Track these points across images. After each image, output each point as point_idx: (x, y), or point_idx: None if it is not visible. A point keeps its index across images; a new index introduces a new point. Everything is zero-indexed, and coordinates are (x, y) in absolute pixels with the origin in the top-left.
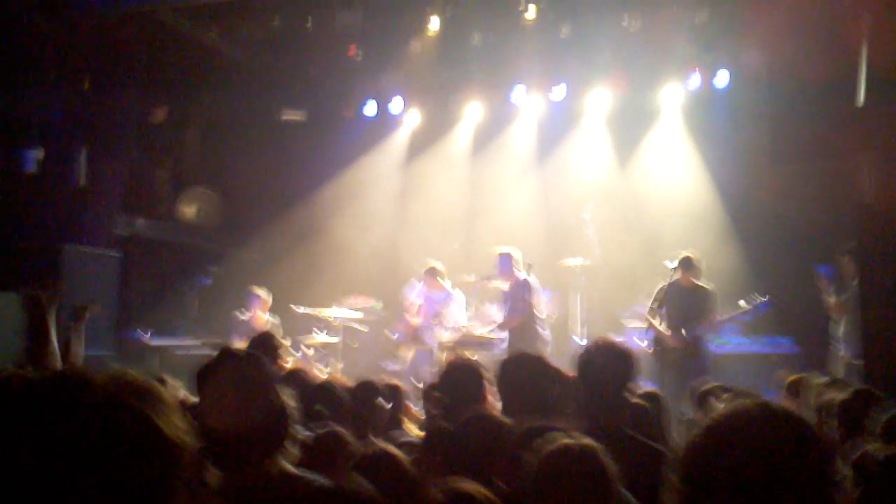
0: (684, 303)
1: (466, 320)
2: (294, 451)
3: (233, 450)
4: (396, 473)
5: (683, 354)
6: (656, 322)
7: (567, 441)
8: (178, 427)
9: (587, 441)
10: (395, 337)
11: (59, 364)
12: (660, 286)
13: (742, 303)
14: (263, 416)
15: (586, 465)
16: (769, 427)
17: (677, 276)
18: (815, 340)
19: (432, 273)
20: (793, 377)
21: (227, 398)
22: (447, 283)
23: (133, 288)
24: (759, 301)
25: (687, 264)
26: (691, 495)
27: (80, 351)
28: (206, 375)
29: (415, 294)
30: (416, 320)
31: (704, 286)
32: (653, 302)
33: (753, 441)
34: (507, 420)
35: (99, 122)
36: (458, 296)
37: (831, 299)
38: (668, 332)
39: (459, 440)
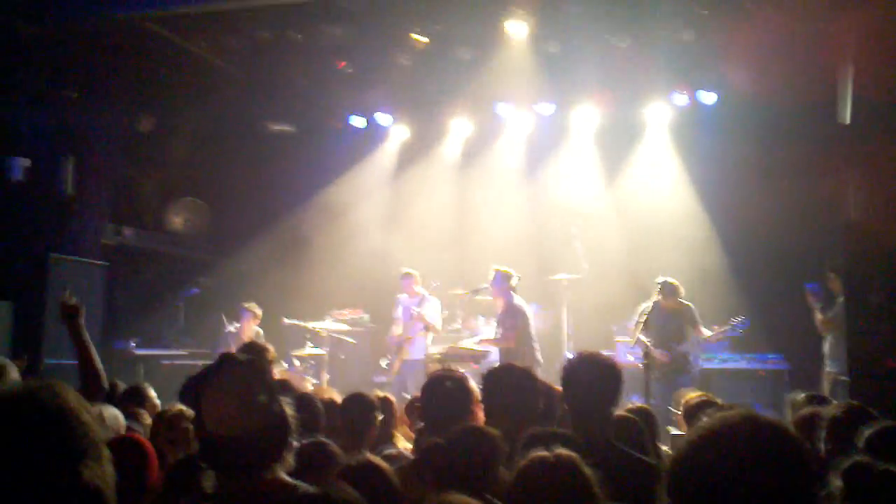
0: (668, 323)
1: (441, 323)
2: (291, 460)
3: (232, 456)
4: (381, 484)
5: (670, 370)
6: (645, 341)
7: (544, 453)
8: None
9: (565, 452)
10: (385, 363)
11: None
12: (643, 307)
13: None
14: (265, 424)
15: (565, 476)
16: (755, 439)
17: (659, 299)
18: (804, 356)
19: (409, 278)
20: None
21: (229, 404)
22: (421, 288)
23: (120, 298)
24: (738, 321)
25: (669, 290)
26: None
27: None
28: (206, 380)
29: (399, 310)
30: (397, 338)
31: (685, 304)
32: (638, 321)
33: (739, 453)
34: (497, 433)
35: (86, 131)
36: (433, 300)
37: (818, 315)
38: (656, 350)
39: (451, 454)
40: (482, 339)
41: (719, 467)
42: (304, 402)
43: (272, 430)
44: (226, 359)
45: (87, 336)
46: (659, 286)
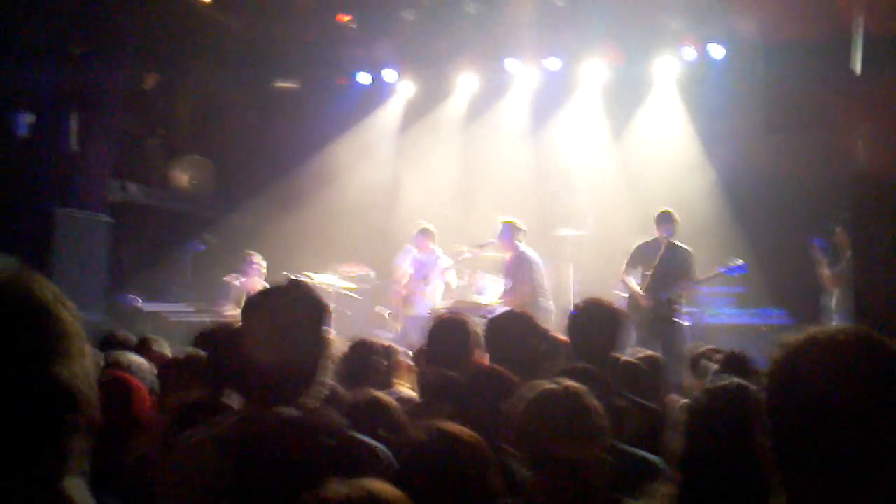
0: (662, 263)
1: (456, 283)
2: (324, 390)
3: (270, 381)
4: (387, 419)
5: (656, 317)
6: (630, 281)
7: (551, 385)
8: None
9: (573, 384)
10: (388, 314)
11: None
12: (636, 244)
13: (720, 267)
14: (307, 352)
15: (571, 408)
16: (864, 350)
17: (655, 233)
18: (808, 312)
19: (426, 234)
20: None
21: (281, 327)
22: (437, 248)
23: (125, 253)
24: (735, 264)
25: (666, 219)
26: (777, 431)
27: None
28: (258, 303)
29: (407, 262)
30: (403, 291)
31: (682, 246)
32: (628, 261)
33: (845, 363)
34: (515, 378)
35: (91, 87)
36: (446, 261)
37: (825, 271)
38: (643, 293)
39: (468, 392)
40: (497, 297)
41: (822, 377)
42: None
43: (312, 359)
44: (291, 283)
45: None
46: (656, 215)
